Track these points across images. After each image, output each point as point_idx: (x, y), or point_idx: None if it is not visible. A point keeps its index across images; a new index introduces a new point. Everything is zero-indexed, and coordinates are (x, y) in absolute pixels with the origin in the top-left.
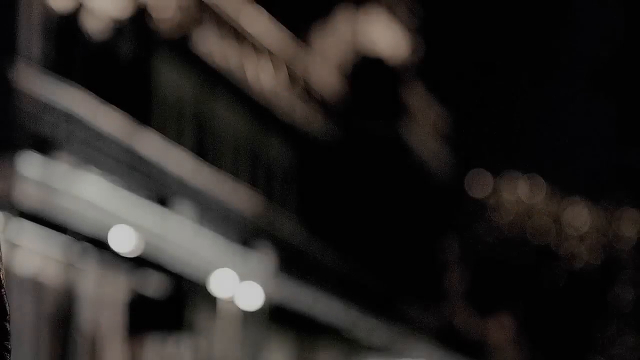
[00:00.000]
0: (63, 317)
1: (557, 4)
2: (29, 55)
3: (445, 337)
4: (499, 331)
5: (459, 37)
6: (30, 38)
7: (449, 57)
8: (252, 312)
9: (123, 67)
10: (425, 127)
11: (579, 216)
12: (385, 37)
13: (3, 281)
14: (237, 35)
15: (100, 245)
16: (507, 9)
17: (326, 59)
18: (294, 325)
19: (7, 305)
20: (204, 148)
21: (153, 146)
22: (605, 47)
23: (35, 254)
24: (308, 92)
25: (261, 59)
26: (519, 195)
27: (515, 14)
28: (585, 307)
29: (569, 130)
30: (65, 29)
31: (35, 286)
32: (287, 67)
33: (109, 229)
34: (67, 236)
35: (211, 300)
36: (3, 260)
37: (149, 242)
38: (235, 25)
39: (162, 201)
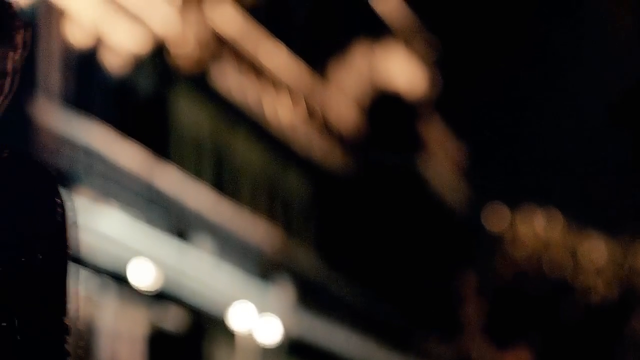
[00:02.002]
0: (82, 351)
1: (574, 37)
2: (49, 90)
3: None
4: None
5: (477, 70)
6: (50, 73)
7: (467, 90)
8: (271, 346)
9: (142, 101)
10: (442, 161)
11: (596, 249)
12: (403, 70)
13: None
14: (255, 69)
15: (119, 279)
16: (525, 42)
17: (344, 93)
18: (313, 359)
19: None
20: (222, 182)
21: (172, 180)
22: (622, 79)
23: None
24: (326, 126)
25: (279, 94)
26: (536, 228)
27: (533, 46)
28: (602, 340)
29: (586, 162)
30: (85, 64)
31: None
32: (305, 102)
33: (127, 262)
34: (86, 270)
35: (230, 334)
36: None
37: (168, 276)
38: (254, 60)
39: (181, 235)
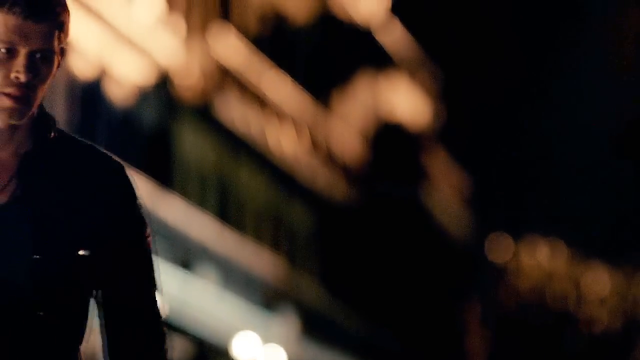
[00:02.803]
0: None
1: (578, 68)
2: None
3: None
4: None
5: (481, 101)
6: (54, 104)
7: (470, 121)
8: None
9: (146, 132)
10: (446, 191)
11: (599, 280)
12: (406, 101)
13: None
14: (259, 100)
15: None
16: (529, 72)
17: (348, 124)
18: None
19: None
20: (226, 212)
21: (176, 211)
22: (626, 110)
23: None
24: (330, 157)
25: (283, 124)
26: (539, 259)
27: (537, 77)
28: None
29: (589, 192)
30: (89, 95)
31: None
32: (309, 132)
33: None
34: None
35: None
36: None
37: (172, 306)
38: (257, 90)
39: (185, 265)
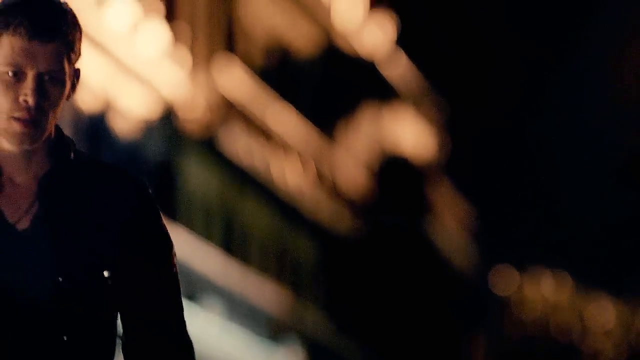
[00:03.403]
0: None
1: (582, 98)
2: None
3: None
4: None
5: (486, 133)
6: None
7: (475, 152)
8: None
9: (151, 165)
10: (450, 223)
11: (604, 312)
12: (411, 133)
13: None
14: (264, 133)
15: None
16: (533, 104)
17: (352, 156)
18: None
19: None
20: (231, 245)
21: (181, 243)
22: (632, 141)
23: None
24: (334, 189)
25: (288, 157)
26: (544, 291)
27: (541, 109)
28: None
29: (594, 223)
30: (94, 128)
31: None
32: (314, 165)
33: None
34: None
35: None
36: None
37: None
38: (262, 123)
39: (190, 297)
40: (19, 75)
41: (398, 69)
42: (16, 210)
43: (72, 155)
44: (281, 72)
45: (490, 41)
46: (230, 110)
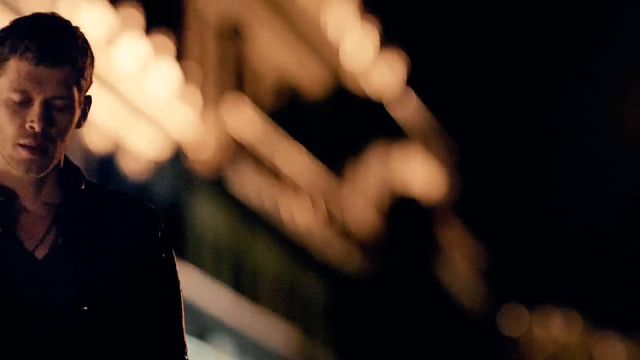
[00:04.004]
0: None
1: (588, 141)
2: None
3: None
4: None
5: (495, 173)
6: None
7: (485, 191)
8: None
9: (161, 206)
10: (460, 263)
11: (614, 351)
12: (421, 173)
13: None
14: (273, 172)
15: None
16: (542, 146)
17: (362, 195)
18: None
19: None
20: (241, 284)
21: (191, 283)
22: (634, 182)
23: None
24: (344, 229)
25: (297, 196)
26: (553, 331)
27: (550, 151)
28: None
29: (601, 263)
30: (104, 169)
31: None
32: (323, 204)
33: None
34: None
35: None
36: None
37: None
38: (272, 162)
39: (200, 336)
40: (25, 101)
41: (408, 109)
42: (32, 239)
43: (83, 183)
44: (290, 112)
45: (501, 81)
46: (239, 150)
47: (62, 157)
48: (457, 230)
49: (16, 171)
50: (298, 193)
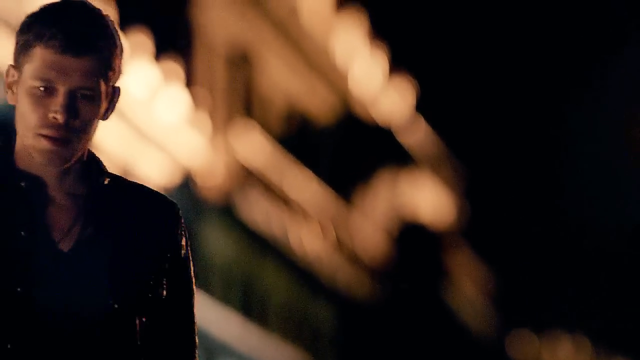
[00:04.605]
0: None
1: (599, 167)
2: None
3: None
4: None
5: (503, 197)
6: None
7: (493, 217)
8: None
9: None
10: (468, 288)
11: None
12: (430, 198)
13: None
14: (282, 198)
15: None
16: (548, 170)
17: (371, 221)
18: None
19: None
20: (250, 310)
21: (199, 308)
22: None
23: None
24: (353, 255)
25: (306, 222)
26: (562, 357)
27: (556, 175)
28: None
29: (608, 288)
30: None
31: None
32: (332, 230)
33: None
34: None
35: None
36: None
37: None
38: (280, 188)
39: None
40: (49, 91)
41: (416, 135)
42: (57, 230)
43: (106, 176)
44: (299, 138)
45: (510, 106)
46: (248, 175)
47: (86, 150)
48: (466, 255)
49: (38, 161)
50: (307, 219)
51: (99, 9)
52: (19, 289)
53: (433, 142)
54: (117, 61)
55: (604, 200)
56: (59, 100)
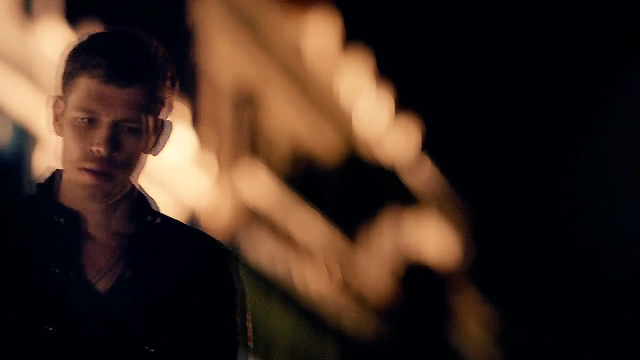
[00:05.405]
0: None
1: (605, 205)
2: None
3: None
4: None
5: (509, 237)
6: None
7: (500, 257)
8: None
9: None
10: (474, 328)
11: None
12: (435, 238)
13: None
14: (287, 238)
15: None
16: (553, 210)
17: (376, 261)
18: None
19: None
20: (255, 350)
21: None
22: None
23: None
24: (358, 295)
25: (311, 262)
26: None
27: (563, 215)
28: None
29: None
30: None
31: None
32: (337, 270)
33: None
34: None
35: None
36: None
37: None
38: (285, 228)
39: None
40: (93, 122)
41: (422, 174)
42: (95, 269)
43: (156, 216)
44: (305, 178)
45: (516, 146)
46: (253, 215)
47: (134, 186)
48: (471, 295)
49: (80, 196)
50: (312, 259)
51: (148, 38)
52: (50, 328)
53: (438, 182)
54: (165, 93)
55: (614, 238)
56: (101, 132)
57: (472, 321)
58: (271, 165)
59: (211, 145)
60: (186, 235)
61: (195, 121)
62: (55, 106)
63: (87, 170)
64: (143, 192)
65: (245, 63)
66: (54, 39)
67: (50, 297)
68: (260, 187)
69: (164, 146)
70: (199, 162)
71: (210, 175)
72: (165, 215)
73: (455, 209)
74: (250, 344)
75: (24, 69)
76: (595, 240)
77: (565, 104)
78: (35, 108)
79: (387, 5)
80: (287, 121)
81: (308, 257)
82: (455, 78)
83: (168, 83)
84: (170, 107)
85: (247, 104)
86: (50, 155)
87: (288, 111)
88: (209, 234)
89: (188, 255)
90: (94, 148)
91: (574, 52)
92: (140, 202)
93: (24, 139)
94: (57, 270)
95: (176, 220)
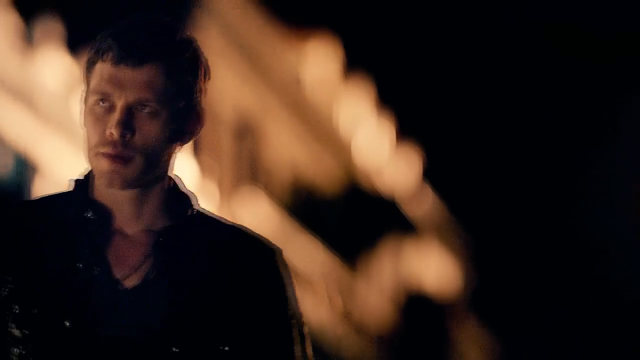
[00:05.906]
0: None
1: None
2: None
3: None
4: None
5: (511, 265)
6: None
7: (501, 286)
8: None
9: None
10: (475, 357)
11: None
12: (436, 267)
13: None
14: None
15: None
16: (555, 239)
17: (376, 291)
18: None
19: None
20: None
21: None
22: None
23: None
24: (358, 324)
25: (311, 291)
26: None
27: (566, 244)
28: None
29: (619, 349)
30: None
31: None
32: (337, 299)
33: None
34: None
35: None
36: None
37: None
38: (285, 257)
39: None
40: (108, 106)
41: (423, 203)
42: (124, 265)
43: (190, 211)
44: (305, 206)
45: (517, 174)
46: None
47: (168, 178)
48: (472, 324)
49: (101, 185)
50: (312, 288)
51: (170, 21)
52: (67, 323)
53: (439, 211)
54: (188, 75)
55: (617, 267)
56: (115, 115)
57: (473, 350)
58: (272, 194)
59: (212, 174)
60: (226, 233)
61: (196, 150)
62: (82, 99)
63: (104, 154)
64: (180, 186)
65: (245, 92)
66: (55, 68)
67: (71, 293)
68: (260, 215)
69: (194, 135)
70: (200, 191)
71: (212, 204)
72: (203, 212)
73: (456, 238)
74: (306, 329)
75: (25, 98)
76: (599, 270)
77: (565, 135)
78: (35, 137)
79: (387, 34)
80: (288, 150)
81: (308, 286)
82: (456, 107)
83: (192, 64)
84: (200, 92)
85: (247, 133)
86: (50, 184)
87: (288, 140)
88: (254, 232)
89: (228, 254)
90: (108, 131)
91: (571, 82)
92: (176, 197)
93: (24, 168)
94: (81, 266)
95: (216, 217)
